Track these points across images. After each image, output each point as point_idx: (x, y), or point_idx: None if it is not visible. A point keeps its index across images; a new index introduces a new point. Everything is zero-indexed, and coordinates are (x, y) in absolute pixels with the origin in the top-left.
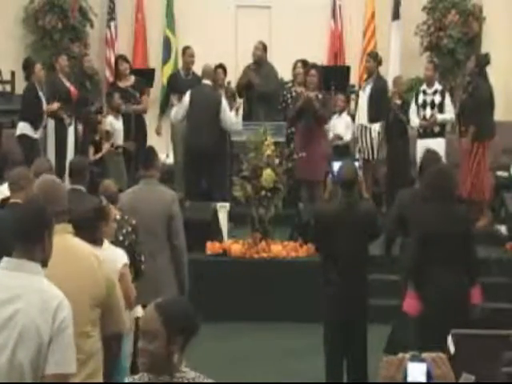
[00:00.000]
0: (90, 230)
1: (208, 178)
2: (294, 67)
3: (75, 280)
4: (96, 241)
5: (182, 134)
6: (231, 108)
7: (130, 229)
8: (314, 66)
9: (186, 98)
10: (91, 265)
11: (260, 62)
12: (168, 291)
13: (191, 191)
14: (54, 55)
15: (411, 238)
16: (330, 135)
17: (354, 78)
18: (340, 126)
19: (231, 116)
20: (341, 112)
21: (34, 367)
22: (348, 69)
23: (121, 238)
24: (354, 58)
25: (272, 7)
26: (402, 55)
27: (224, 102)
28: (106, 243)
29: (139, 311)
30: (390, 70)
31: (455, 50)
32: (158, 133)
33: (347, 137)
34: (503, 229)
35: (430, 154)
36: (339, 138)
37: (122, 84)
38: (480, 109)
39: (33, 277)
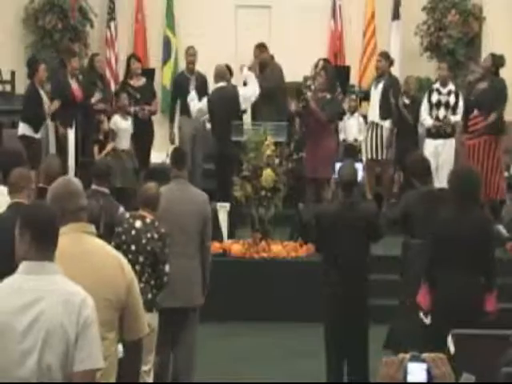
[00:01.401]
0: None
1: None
2: (316, 66)
3: (90, 280)
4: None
5: (190, 134)
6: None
7: (156, 235)
8: (324, 67)
9: (205, 101)
10: (109, 265)
11: (263, 64)
12: (200, 293)
13: (220, 193)
14: (65, 56)
15: (428, 237)
16: (341, 135)
17: (354, 78)
18: (354, 127)
19: (246, 91)
20: (353, 112)
21: (63, 366)
22: (348, 69)
23: (144, 241)
24: (354, 58)
25: (272, 7)
26: (402, 55)
27: (240, 91)
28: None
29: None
30: (391, 70)
31: (455, 50)
32: (173, 142)
33: (360, 137)
34: (503, 228)
35: (420, 157)
36: (346, 140)
37: (132, 83)
38: (501, 100)
39: (53, 277)
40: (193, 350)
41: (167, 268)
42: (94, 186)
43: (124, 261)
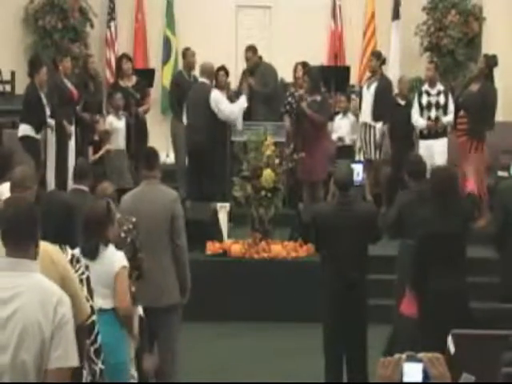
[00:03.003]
0: (99, 231)
1: (207, 177)
2: (295, 70)
3: None
4: (105, 242)
5: (183, 134)
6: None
7: (130, 226)
8: (307, 70)
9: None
10: (40, 261)
11: (254, 67)
12: (172, 293)
13: (192, 191)
14: (57, 56)
15: (414, 239)
16: (334, 136)
17: (353, 78)
18: (345, 127)
19: (225, 106)
20: (344, 112)
21: (37, 364)
22: (348, 69)
23: (122, 234)
24: (354, 58)
25: (272, 7)
26: (402, 55)
27: (213, 95)
28: (111, 247)
29: (140, 311)
30: (390, 70)
31: (455, 50)
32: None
33: (353, 137)
34: None
35: (417, 157)
36: (342, 140)
37: (123, 83)
38: (489, 108)
39: (31, 274)
40: (171, 352)
41: (143, 255)
42: (74, 185)
43: (54, 252)
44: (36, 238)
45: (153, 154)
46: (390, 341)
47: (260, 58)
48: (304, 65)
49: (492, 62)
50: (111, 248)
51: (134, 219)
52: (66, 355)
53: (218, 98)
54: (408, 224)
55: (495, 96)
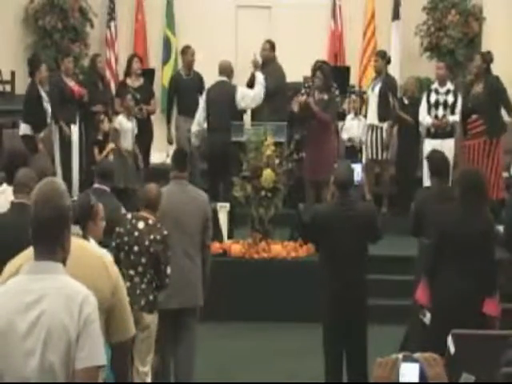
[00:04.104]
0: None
1: (224, 177)
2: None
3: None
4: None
5: (186, 134)
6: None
7: (159, 237)
8: (320, 67)
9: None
10: (93, 266)
11: (267, 61)
12: (199, 293)
13: (210, 192)
14: (58, 56)
15: (433, 237)
16: (345, 136)
17: (354, 79)
18: (357, 128)
19: (247, 93)
20: (356, 113)
21: (65, 365)
22: (348, 69)
23: (146, 243)
24: (353, 58)
25: (272, 7)
26: (402, 55)
27: (238, 89)
28: (92, 242)
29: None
30: (390, 70)
31: (455, 50)
32: (171, 142)
33: (364, 138)
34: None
35: (438, 153)
36: (351, 140)
37: (130, 82)
38: (498, 102)
39: (56, 277)
40: (193, 352)
41: (168, 270)
42: (95, 185)
43: (108, 260)
44: (61, 240)
45: (183, 154)
46: (403, 344)
47: (275, 57)
48: (323, 62)
49: (488, 57)
50: (95, 245)
51: (165, 232)
52: (91, 355)
53: (241, 91)
54: (426, 222)
55: (501, 83)
